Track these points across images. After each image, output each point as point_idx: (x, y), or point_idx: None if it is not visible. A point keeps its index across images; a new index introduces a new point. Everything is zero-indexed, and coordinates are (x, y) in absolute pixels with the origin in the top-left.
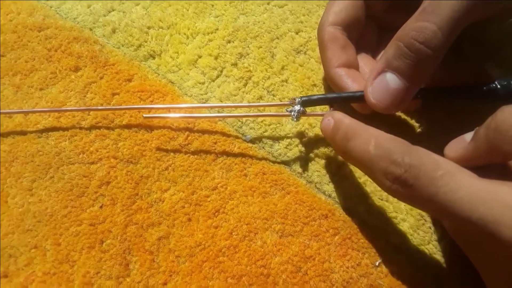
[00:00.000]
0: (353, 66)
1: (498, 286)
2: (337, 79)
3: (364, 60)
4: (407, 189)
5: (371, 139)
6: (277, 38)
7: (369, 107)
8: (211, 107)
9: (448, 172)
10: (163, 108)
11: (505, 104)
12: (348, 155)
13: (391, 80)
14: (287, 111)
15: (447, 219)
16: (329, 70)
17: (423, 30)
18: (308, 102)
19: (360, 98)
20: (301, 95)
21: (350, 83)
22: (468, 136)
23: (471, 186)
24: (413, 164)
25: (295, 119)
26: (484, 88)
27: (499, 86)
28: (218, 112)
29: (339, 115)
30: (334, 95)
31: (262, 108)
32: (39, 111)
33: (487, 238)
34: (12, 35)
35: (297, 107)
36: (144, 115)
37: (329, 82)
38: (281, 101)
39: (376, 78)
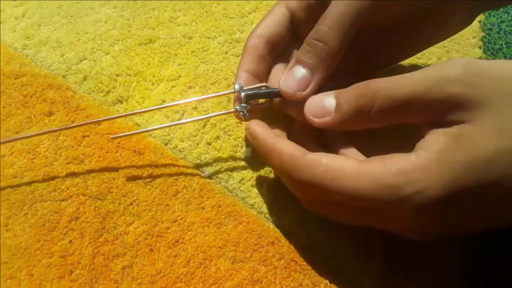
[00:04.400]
0: (258, 77)
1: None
2: (237, 79)
3: (282, 71)
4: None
5: (279, 149)
6: (233, 84)
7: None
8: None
9: (338, 169)
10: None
11: None
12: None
13: (297, 70)
14: (235, 109)
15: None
16: (238, 70)
17: (317, 30)
18: (252, 95)
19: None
20: (242, 87)
21: (238, 85)
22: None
23: (357, 171)
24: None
25: (245, 114)
26: None
27: None
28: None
29: (254, 128)
30: (277, 90)
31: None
32: (37, 134)
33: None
34: None
35: (244, 105)
36: (111, 136)
37: (235, 79)
38: (235, 140)
39: (288, 71)
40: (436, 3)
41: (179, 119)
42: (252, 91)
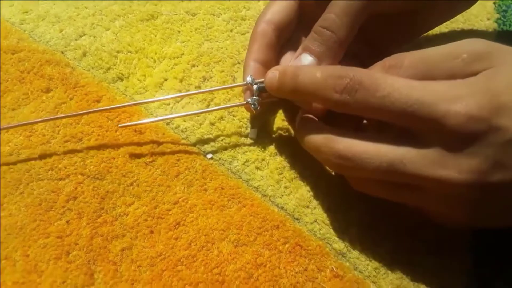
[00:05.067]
0: (267, 65)
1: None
2: (246, 69)
3: (290, 58)
4: (353, 94)
5: (316, 69)
6: (238, 63)
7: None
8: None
9: (383, 75)
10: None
11: None
12: (298, 91)
13: (305, 58)
14: (247, 102)
15: (388, 116)
16: (247, 60)
17: (325, 18)
18: (264, 88)
19: None
20: (254, 79)
21: (250, 77)
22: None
23: (406, 80)
24: (355, 73)
25: (257, 106)
26: None
27: None
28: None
29: (281, 66)
30: None
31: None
32: (36, 122)
33: (423, 123)
34: None
35: (255, 98)
36: (120, 125)
37: (243, 69)
38: (240, 121)
39: (295, 59)
40: None
41: (182, 98)
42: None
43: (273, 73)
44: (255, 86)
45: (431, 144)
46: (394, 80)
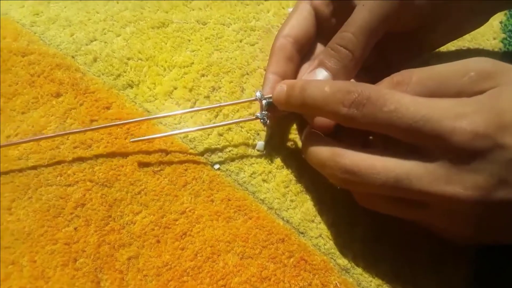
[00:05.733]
0: (286, 77)
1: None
2: (266, 81)
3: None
4: (361, 108)
5: (325, 83)
6: (247, 74)
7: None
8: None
9: (391, 91)
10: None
11: None
12: (306, 105)
13: (319, 73)
14: (256, 116)
15: (394, 131)
16: (266, 72)
17: (343, 37)
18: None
19: None
20: (263, 94)
21: (269, 91)
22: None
23: (413, 97)
24: (363, 89)
25: (266, 121)
26: None
27: None
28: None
29: (289, 80)
30: None
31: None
32: (37, 139)
33: (428, 139)
34: None
35: (265, 112)
36: (131, 140)
37: (263, 81)
38: (248, 132)
39: (310, 73)
40: (447, 9)
41: (191, 107)
42: None
43: (281, 87)
44: (264, 101)
45: (437, 160)
46: (401, 96)
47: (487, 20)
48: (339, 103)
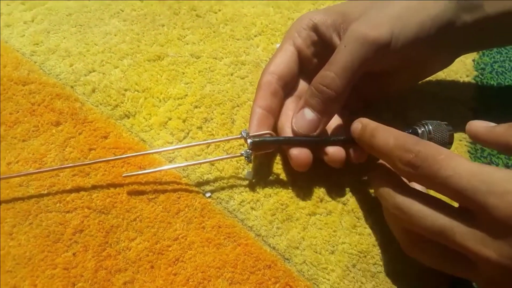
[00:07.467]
0: (272, 112)
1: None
2: (252, 114)
3: (292, 105)
4: (416, 169)
5: (391, 135)
6: (238, 106)
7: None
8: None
9: (448, 156)
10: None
11: None
12: (372, 149)
13: (307, 113)
14: (241, 154)
15: (445, 192)
16: (253, 106)
17: (325, 76)
18: (258, 143)
19: (305, 142)
20: (248, 133)
21: (256, 123)
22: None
23: (466, 166)
24: (421, 150)
25: (250, 159)
26: None
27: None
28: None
29: (366, 120)
30: (282, 138)
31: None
32: (35, 172)
33: (475, 207)
34: None
35: (249, 151)
36: (123, 175)
37: (250, 115)
38: (237, 162)
39: (298, 113)
40: (420, 56)
41: (184, 137)
42: (258, 138)
43: (357, 125)
44: (248, 140)
45: (481, 224)
46: (457, 163)
47: (453, 60)
48: (397, 160)
